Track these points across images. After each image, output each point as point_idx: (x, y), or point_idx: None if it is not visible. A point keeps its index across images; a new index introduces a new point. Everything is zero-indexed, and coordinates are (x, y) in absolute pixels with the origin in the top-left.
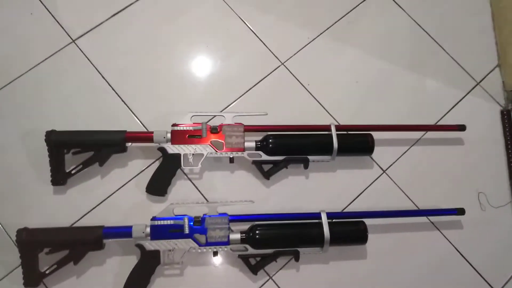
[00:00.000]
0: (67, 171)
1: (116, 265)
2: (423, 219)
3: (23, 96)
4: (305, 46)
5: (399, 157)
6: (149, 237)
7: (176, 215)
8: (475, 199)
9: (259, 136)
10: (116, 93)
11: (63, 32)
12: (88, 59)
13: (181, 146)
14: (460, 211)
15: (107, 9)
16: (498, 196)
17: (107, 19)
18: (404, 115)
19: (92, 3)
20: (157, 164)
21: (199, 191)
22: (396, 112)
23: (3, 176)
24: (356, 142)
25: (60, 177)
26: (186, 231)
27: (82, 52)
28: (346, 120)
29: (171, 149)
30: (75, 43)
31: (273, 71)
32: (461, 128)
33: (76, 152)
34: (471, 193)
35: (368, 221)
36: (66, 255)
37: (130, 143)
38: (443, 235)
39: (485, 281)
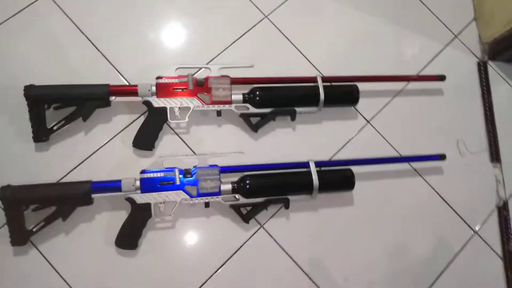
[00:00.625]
0: (49, 127)
1: (105, 220)
2: (406, 166)
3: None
4: None
5: (383, 108)
6: (139, 190)
7: (166, 168)
8: (454, 146)
9: (246, 89)
10: (96, 47)
11: None
12: (64, 11)
13: (167, 99)
14: (441, 157)
15: None
16: (475, 142)
17: None
18: (386, 67)
19: None
20: (142, 118)
21: (187, 145)
22: (379, 64)
23: None
24: (342, 93)
25: (42, 134)
26: (177, 182)
27: (56, 4)
28: (330, 73)
29: (157, 102)
30: None
31: (256, 24)
32: (441, 78)
33: (57, 107)
34: (450, 140)
35: (354, 169)
36: (53, 211)
37: (114, 97)
38: (425, 180)
39: (464, 221)
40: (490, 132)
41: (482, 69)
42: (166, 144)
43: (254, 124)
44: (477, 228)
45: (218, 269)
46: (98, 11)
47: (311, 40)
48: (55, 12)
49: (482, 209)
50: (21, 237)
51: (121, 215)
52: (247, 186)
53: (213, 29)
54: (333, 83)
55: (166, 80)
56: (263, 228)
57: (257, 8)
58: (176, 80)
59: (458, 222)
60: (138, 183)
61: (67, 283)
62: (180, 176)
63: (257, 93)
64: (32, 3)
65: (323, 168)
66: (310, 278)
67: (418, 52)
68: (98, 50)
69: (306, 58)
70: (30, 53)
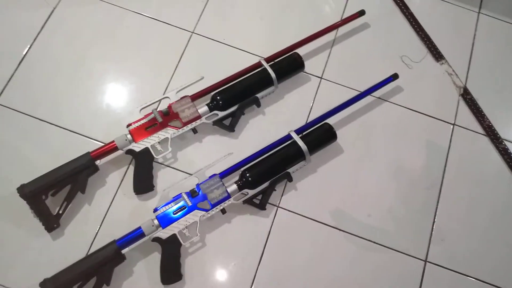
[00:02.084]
0: (55, 213)
1: (143, 268)
2: (370, 98)
3: None
4: (204, 8)
5: (327, 60)
6: (160, 228)
7: (173, 197)
8: (401, 63)
9: (207, 99)
10: (59, 126)
11: None
12: (17, 110)
13: (145, 140)
14: (395, 76)
15: (12, 62)
16: (416, 53)
17: (15, 70)
18: (312, 27)
19: None
20: (131, 167)
21: (181, 170)
22: (304, 27)
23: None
24: (288, 64)
25: (52, 222)
26: (189, 204)
27: (9, 108)
28: (269, 52)
29: (138, 147)
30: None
31: (188, 42)
32: (361, 13)
33: (53, 193)
34: (396, 61)
35: (330, 121)
36: (95, 282)
37: (99, 161)
38: (392, 102)
39: (440, 120)
40: (423, 37)
41: None
42: (163, 178)
43: (228, 126)
44: (453, 121)
45: (261, 259)
46: (48, 94)
47: (239, 34)
48: (11, 113)
49: (449, 103)
50: None
51: (155, 257)
52: (249, 179)
53: (154, 63)
54: (276, 60)
55: (137, 124)
56: (280, 207)
57: (182, 29)
58: (144, 120)
59: (435, 123)
60: (156, 221)
61: None
62: (189, 198)
63: (218, 98)
64: None
65: (304, 133)
66: (339, 229)
67: (330, 2)
68: (63, 128)
69: (243, 50)
70: (6, 158)
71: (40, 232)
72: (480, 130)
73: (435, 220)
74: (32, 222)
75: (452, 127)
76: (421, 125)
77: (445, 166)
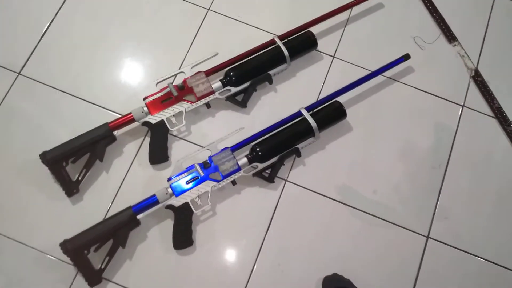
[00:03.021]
0: (74, 179)
1: (157, 234)
2: (381, 78)
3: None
4: None
5: (340, 39)
6: (173, 196)
7: (186, 168)
8: (413, 44)
9: (221, 75)
10: (80, 98)
11: (5, 70)
12: (39, 81)
13: (160, 113)
14: (406, 57)
15: (36, 34)
16: (429, 34)
17: (38, 42)
18: (327, 6)
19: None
20: (147, 139)
21: (194, 143)
22: (320, 5)
23: (20, 210)
24: (301, 42)
25: (71, 188)
26: (202, 174)
27: (31, 79)
28: (282, 31)
29: (154, 119)
30: (21, 74)
31: (204, 19)
32: None
33: (74, 160)
34: (409, 42)
35: (340, 99)
36: (112, 244)
37: (116, 131)
38: (403, 82)
39: (450, 101)
40: (437, 18)
41: None
42: (177, 150)
43: (241, 101)
44: (463, 102)
45: (267, 230)
46: (69, 67)
47: (253, 12)
48: (35, 84)
49: (460, 84)
50: (95, 277)
51: (168, 224)
52: (259, 153)
53: (171, 39)
54: (289, 38)
55: (153, 97)
56: (288, 181)
57: (198, 6)
58: (160, 94)
59: (445, 104)
60: (170, 190)
61: None
62: (201, 169)
63: (231, 73)
64: (12, 85)
65: (314, 110)
66: (345, 204)
67: None
68: (83, 100)
69: (257, 28)
70: (29, 127)
71: (61, 196)
72: (489, 112)
73: (439, 198)
74: (53, 188)
75: (461, 108)
76: (431, 106)
77: (452, 146)
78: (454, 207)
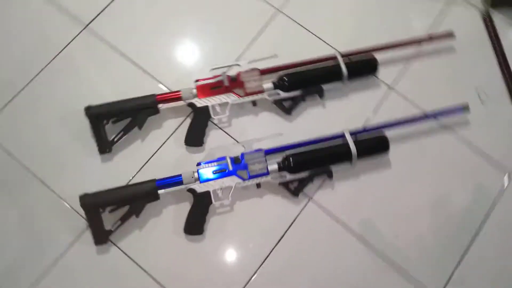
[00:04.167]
0: (110, 139)
1: (172, 213)
2: (434, 123)
3: (53, 82)
4: None
5: (402, 73)
6: (198, 181)
7: (217, 158)
8: (475, 96)
9: (274, 77)
10: (136, 64)
11: (74, 20)
12: (103, 39)
13: (207, 98)
14: (465, 108)
15: None
16: (495, 90)
17: (111, 1)
18: (395, 35)
19: None
20: (188, 119)
21: (231, 136)
22: (387, 34)
23: (53, 154)
24: (362, 65)
25: (105, 146)
26: (230, 168)
27: (96, 34)
28: (346, 49)
29: (199, 102)
30: (88, 28)
31: (272, 18)
32: (452, 35)
33: (115, 121)
34: (471, 93)
35: (386, 133)
36: (127, 210)
37: (161, 105)
38: (455, 132)
39: (497, 165)
40: (507, 76)
41: (487, 19)
42: (213, 138)
43: (287, 108)
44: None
45: (278, 242)
46: (134, 32)
47: (323, 23)
48: (98, 40)
49: None
50: (102, 237)
51: (185, 207)
52: (292, 163)
53: (236, 30)
54: (351, 57)
55: (204, 82)
56: (312, 200)
57: (270, 4)
58: (212, 80)
59: (492, 168)
60: (196, 174)
61: (146, 272)
62: (231, 163)
63: (285, 78)
64: (77, 35)
65: (358, 136)
66: (363, 240)
67: (423, 15)
68: (139, 67)
69: (321, 39)
70: (82, 80)
71: (93, 152)
72: None
73: (461, 262)
74: (88, 142)
75: (508, 176)
76: (477, 165)
77: (488, 214)
78: (473, 276)
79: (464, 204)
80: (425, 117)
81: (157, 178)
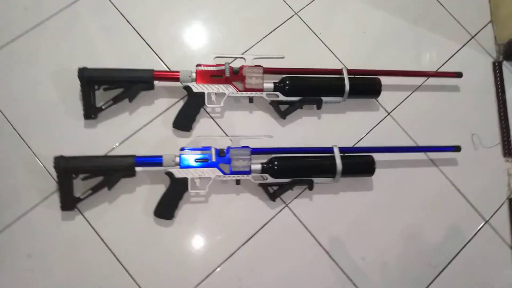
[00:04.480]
0: (98, 106)
1: (145, 192)
2: (422, 155)
3: (53, 36)
4: None
5: (403, 101)
6: (178, 166)
7: (202, 147)
8: (469, 140)
9: (277, 79)
10: (140, 35)
11: None
12: (114, 5)
13: (205, 85)
14: (457, 148)
15: None
16: (489, 138)
17: None
18: (406, 65)
19: None
20: (181, 102)
21: (221, 128)
22: (398, 61)
23: (37, 109)
24: (366, 85)
25: (91, 111)
26: (213, 159)
27: None
28: (354, 66)
29: (196, 87)
30: None
31: (287, 20)
32: (458, 75)
33: (107, 88)
34: (465, 134)
35: (374, 156)
36: (100, 181)
37: (157, 82)
38: (440, 170)
39: (476, 211)
40: (504, 128)
41: (497, 68)
42: (202, 126)
43: (282, 111)
44: (488, 218)
45: (246, 242)
46: (143, 3)
47: (336, 36)
48: (108, 5)
49: (494, 200)
50: (69, 203)
51: (159, 189)
52: (275, 167)
53: (248, 23)
54: (356, 76)
55: (205, 68)
56: (288, 207)
57: (288, 5)
58: (214, 68)
59: (470, 212)
60: (177, 159)
61: (106, 245)
62: (215, 154)
63: (287, 82)
64: None
65: (346, 154)
66: (329, 256)
67: (436, 51)
68: (142, 39)
69: (332, 52)
70: (82, 39)
71: (78, 115)
72: (509, 241)
73: None
74: (75, 104)
75: (483, 223)
76: (456, 206)
77: (456, 255)
78: None
79: (435, 240)
80: (416, 149)
81: (137, 154)
